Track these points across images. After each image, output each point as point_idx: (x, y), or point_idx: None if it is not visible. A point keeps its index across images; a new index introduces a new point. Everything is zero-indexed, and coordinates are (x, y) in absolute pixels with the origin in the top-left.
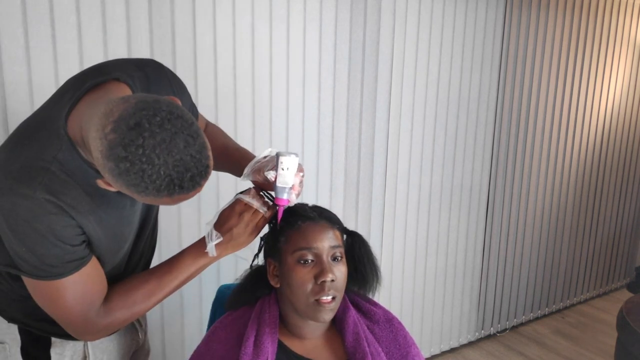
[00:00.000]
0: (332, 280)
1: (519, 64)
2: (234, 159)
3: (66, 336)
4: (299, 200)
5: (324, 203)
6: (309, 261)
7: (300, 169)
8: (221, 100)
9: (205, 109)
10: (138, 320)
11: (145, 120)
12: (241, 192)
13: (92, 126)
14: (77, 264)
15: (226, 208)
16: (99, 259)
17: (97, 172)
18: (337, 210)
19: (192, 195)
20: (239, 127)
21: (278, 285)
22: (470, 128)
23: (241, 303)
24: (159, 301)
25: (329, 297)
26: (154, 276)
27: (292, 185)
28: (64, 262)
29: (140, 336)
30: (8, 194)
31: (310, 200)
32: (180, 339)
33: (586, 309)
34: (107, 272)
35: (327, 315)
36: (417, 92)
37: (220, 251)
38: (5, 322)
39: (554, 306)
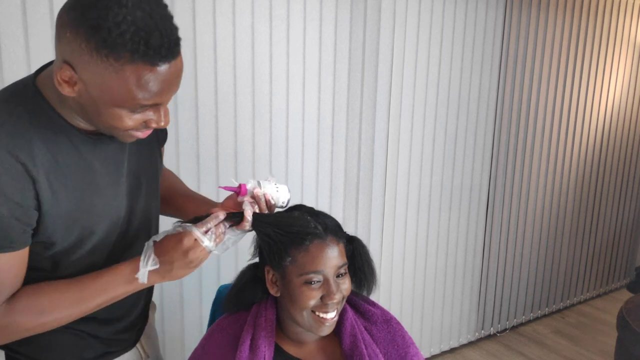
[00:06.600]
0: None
1: (519, 64)
2: (177, 203)
3: None
4: (296, 202)
5: (324, 203)
6: (316, 282)
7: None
8: (221, 100)
9: (206, 109)
10: (144, 349)
11: None
12: (196, 222)
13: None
14: (6, 244)
15: (174, 236)
16: (53, 232)
17: (65, 120)
18: (337, 210)
19: (165, 81)
20: (239, 127)
21: (278, 294)
22: (470, 128)
23: (237, 308)
24: (76, 317)
25: (333, 314)
26: (75, 287)
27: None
28: None
29: None
30: None
31: (310, 201)
32: (180, 339)
33: (586, 309)
34: (79, 257)
35: (327, 330)
36: (417, 92)
37: (153, 279)
38: None
39: (554, 306)
